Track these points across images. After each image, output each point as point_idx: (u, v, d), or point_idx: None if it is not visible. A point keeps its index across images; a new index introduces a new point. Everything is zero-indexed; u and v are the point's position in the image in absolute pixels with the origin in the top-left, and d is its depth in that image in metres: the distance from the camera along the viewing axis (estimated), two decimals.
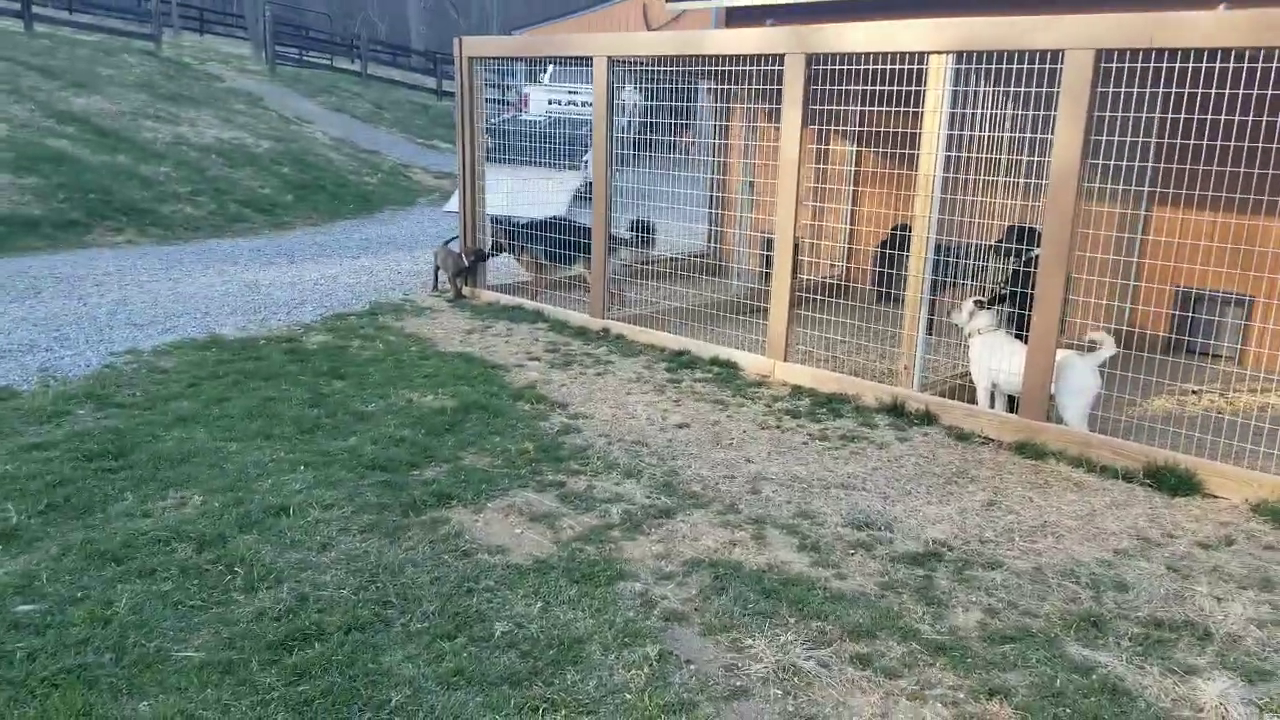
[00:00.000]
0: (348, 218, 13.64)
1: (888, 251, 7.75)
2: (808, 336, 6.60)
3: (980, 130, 5.63)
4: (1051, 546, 4.06)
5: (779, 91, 6.01)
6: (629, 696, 2.82)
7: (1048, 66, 5.06)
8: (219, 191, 12.62)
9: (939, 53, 5.33)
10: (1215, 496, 4.63)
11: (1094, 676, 3.07)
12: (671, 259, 8.40)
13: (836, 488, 4.60)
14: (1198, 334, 7.05)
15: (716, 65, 6.65)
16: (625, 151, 8.34)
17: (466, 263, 8.22)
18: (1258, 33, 4.35)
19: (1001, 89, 5.40)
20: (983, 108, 5.58)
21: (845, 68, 5.81)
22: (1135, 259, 7.09)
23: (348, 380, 5.77)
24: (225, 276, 8.79)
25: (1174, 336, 6.73)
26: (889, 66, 5.65)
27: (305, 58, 27.70)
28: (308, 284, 8.65)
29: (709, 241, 9.45)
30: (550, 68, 19.75)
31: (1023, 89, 5.22)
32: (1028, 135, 5.47)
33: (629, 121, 10.67)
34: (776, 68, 6.00)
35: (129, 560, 3.41)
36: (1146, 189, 6.06)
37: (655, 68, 7.11)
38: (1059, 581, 3.74)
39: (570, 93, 18.93)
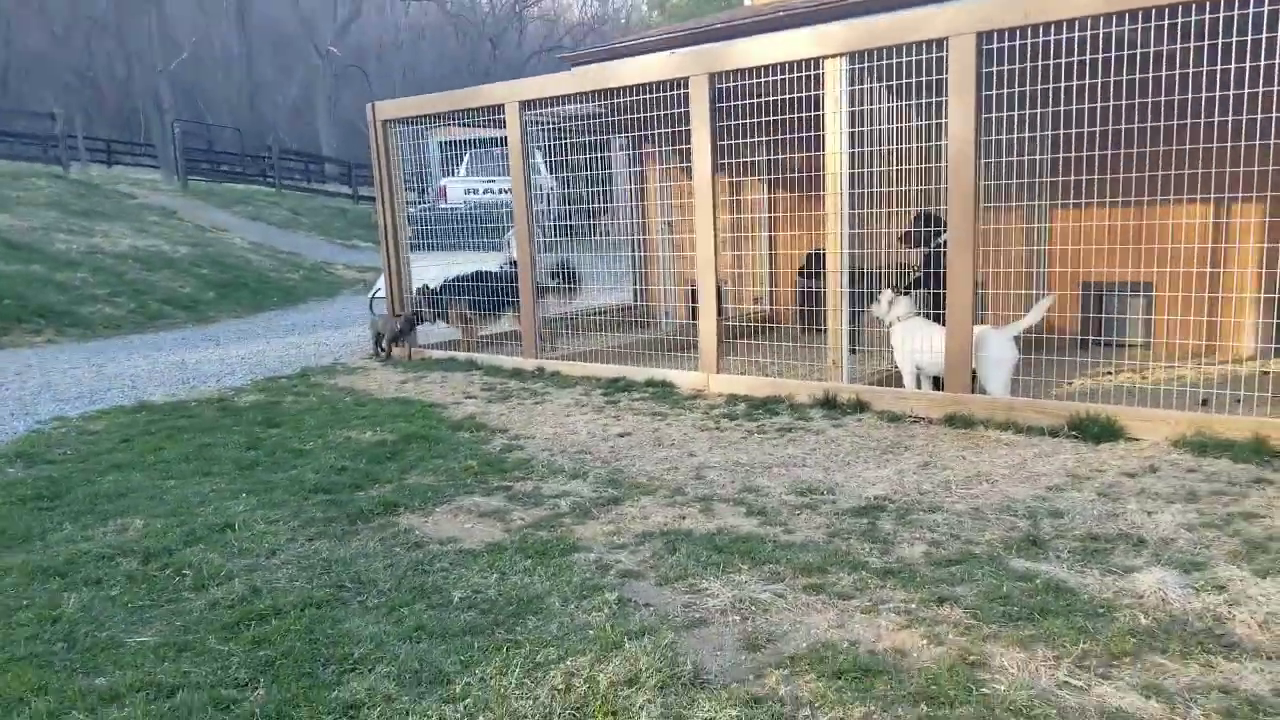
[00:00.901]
0: (272, 309, 13.56)
1: (808, 271, 8.06)
2: (740, 363, 6.78)
3: (880, 124, 5.95)
4: (987, 491, 4.22)
5: (688, 132, 6.29)
6: (592, 631, 2.83)
7: (934, 55, 5.37)
8: (138, 292, 12.46)
9: (833, 56, 5.67)
10: (1137, 439, 4.87)
11: (1038, 581, 3.19)
12: (600, 311, 8.61)
13: (778, 466, 4.71)
14: (1107, 321, 7.46)
15: (627, 98, 6.93)
16: (547, 237, 8.63)
17: (398, 327, 8.24)
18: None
19: (893, 84, 5.75)
20: (878, 103, 5.91)
21: (748, 83, 6.13)
22: (1043, 248, 7.52)
23: (283, 427, 5.71)
24: (151, 359, 8.64)
25: (1087, 316, 7.14)
26: (789, 76, 5.96)
27: (218, 171, 27.72)
28: (235, 359, 8.56)
29: (635, 286, 9.70)
30: (466, 159, 20.24)
31: (916, 79, 5.55)
32: (923, 122, 5.82)
33: (546, 207, 11.01)
34: (683, 91, 6.32)
35: (73, 574, 3.33)
36: (1048, 180, 6.50)
37: (571, 138, 7.42)
38: (997, 516, 3.89)
39: (487, 181, 19.37)
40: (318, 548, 3.61)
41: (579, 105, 7.56)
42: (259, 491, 4.34)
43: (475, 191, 19.41)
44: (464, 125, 9.01)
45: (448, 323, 8.71)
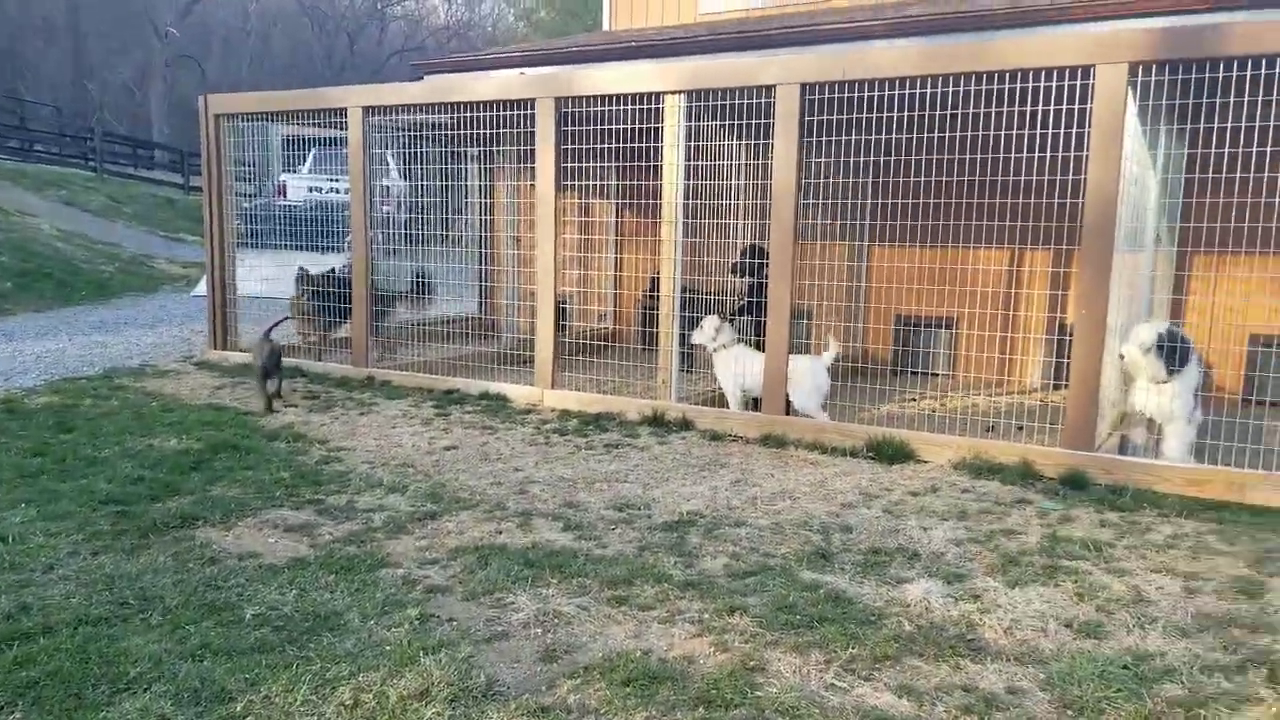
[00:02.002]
0: (80, 304, 12.55)
1: (652, 293, 8.26)
2: (579, 380, 6.87)
3: (713, 160, 6.24)
4: (789, 507, 4.49)
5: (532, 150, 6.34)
6: (389, 647, 2.82)
7: (764, 100, 5.71)
8: None
9: (673, 92, 5.92)
10: (925, 461, 5.31)
11: (821, 591, 3.44)
12: (446, 320, 8.52)
13: (601, 482, 4.82)
14: (915, 353, 8.07)
15: (479, 112, 6.90)
16: (393, 244, 8.45)
17: (262, 360, 6.39)
18: (924, 63, 5.24)
19: (727, 123, 6.04)
20: (712, 140, 6.21)
21: (596, 109, 6.27)
22: (861, 284, 8.06)
23: (78, 432, 5.33)
24: None
25: (898, 348, 7.71)
26: (634, 107, 6.14)
27: (30, 150, 25.44)
28: (29, 356, 7.89)
29: (480, 298, 9.65)
30: (310, 156, 19.52)
31: (748, 121, 5.85)
32: (755, 161, 6.16)
33: (395, 209, 10.73)
34: (531, 111, 6.37)
35: None
36: (866, 222, 6.99)
37: (423, 145, 7.30)
38: (795, 530, 4.15)
39: (332, 180, 18.70)
40: (101, 562, 3.40)
41: (433, 115, 7.47)
42: (41, 502, 4.03)
43: (319, 190, 18.70)
44: (314, 125, 8.72)
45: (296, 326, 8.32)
